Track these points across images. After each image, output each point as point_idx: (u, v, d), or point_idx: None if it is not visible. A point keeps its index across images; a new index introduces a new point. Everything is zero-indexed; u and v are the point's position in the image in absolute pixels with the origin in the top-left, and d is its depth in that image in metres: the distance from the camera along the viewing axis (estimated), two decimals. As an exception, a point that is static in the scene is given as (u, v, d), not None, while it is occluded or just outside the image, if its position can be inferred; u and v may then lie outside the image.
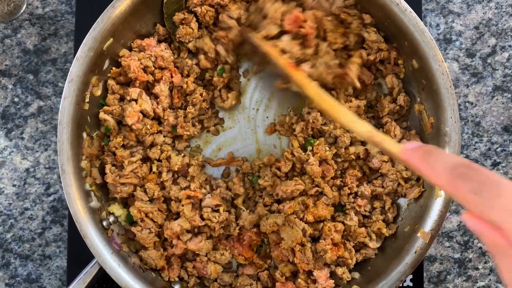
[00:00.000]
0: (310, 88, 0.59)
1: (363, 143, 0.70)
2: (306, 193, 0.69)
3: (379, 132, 0.51)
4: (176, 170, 0.69)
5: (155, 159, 0.69)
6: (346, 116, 0.54)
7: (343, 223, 0.69)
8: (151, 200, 0.68)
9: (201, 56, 0.70)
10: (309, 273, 0.67)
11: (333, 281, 0.66)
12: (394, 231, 0.69)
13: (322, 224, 0.69)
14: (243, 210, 0.70)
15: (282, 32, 0.68)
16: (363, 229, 0.68)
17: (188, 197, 0.68)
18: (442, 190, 0.39)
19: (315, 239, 0.69)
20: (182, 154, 0.70)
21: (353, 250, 0.68)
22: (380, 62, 0.70)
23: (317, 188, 0.69)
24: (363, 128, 0.52)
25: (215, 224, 0.67)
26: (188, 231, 0.68)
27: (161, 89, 0.68)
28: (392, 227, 0.69)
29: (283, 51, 0.66)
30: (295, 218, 0.68)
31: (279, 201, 0.70)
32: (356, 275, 0.68)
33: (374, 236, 0.68)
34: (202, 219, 0.68)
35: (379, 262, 0.68)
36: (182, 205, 0.68)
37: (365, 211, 0.69)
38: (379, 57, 0.69)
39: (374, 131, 0.50)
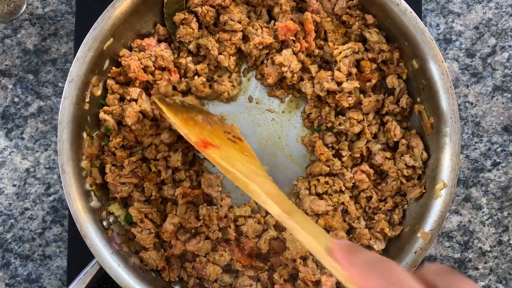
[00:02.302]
0: (219, 166, 0.58)
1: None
2: (327, 212, 0.69)
3: (299, 217, 0.48)
4: (176, 167, 0.69)
5: (152, 159, 0.69)
6: (259, 196, 0.53)
7: (350, 225, 0.69)
8: (148, 200, 0.68)
9: (200, 67, 0.70)
10: (317, 283, 0.67)
11: (335, 279, 0.66)
12: (399, 232, 0.68)
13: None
14: (248, 217, 0.70)
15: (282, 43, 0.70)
16: (366, 230, 0.67)
17: (185, 194, 0.68)
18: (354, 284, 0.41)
19: None
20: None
21: None
22: (382, 62, 0.70)
23: (342, 206, 0.69)
24: (274, 211, 0.50)
25: (213, 220, 0.67)
26: (186, 231, 0.68)
27: (161, 90, 0.69)
28: (397, 228, 0.68)
29: (282, 65, 0.67)
30: None
31: None
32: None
33: (380, 236, 0.68)
34: (198, 219, 0.68)
35: (379, 262, 0.68)
36: (176, 205, 0.68)
37: (373, 213, 0.70)
38: (381, 58, 0.69)
39: (292, 217, 0.48)
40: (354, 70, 0.68)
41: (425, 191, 0.67)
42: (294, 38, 0.69)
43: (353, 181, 0.69)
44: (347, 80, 0.67)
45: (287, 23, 0.67)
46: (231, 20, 0.69)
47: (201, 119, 0.64)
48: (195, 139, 0.58)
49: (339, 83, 0.67)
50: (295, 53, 0.70)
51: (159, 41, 0.70)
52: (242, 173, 0.56)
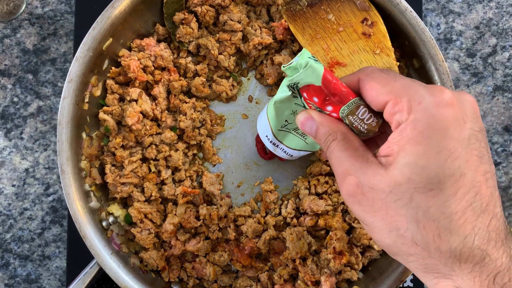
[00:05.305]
0: None
1: None
2: (327, 212, 0.69)
3: None
4: (176, 166, 0.69)
5: (151, 159, 0.69)
6: None
7: (350, 225, 0.68)
8: (148, 200, 0.68)
9: (197, 80, 0.70)
10: (317, 283, 0.67)
11: (335, 279, 0.66)
12: None
13: (327, 236, 0.68)
14: (248, 217, 0.70)
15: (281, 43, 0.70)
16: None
17: (185, 194, 0.68)
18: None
19: (317, 252, 0.69)
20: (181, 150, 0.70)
21: (360, 256, 0.67)
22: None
23: (342, 205, 0.69)
24: None
25: (213, 220, 0.67)
26: (186, 231, 0.68)
27: (160, 91, 0.68)
28: None
29: (281, 65, 0.67)
30: (304, 230, 0.68)
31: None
32: (360, 274, 0.68)
33: None
34: (198, 219, 0.68)
35: (380, 262, 0.68)
36: (176, 205, 0.68)
37: None
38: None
39: None
40: None
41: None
42: (292, 38, 0.69)
43: None
44: None
45: (281, 22, 0.67)
46: (231, 20, 0.69)
47: (333, 17, 0.66)
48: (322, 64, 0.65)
49: None
50: (294, 53, 0.70)
51: (158, 41, 0.70)
52: None
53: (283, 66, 0.44)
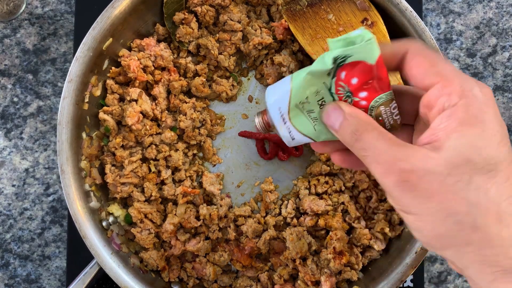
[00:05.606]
0: None
1: None
2: (327, 212, 0.69)
3: None
4: (176, 166, 0.69)
5: (151, 159, 0.69)
6: None
7: (350, 225, 0.68)
8: (148, 200, 0.68)
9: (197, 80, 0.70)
10: (317, 283, 0.67)
11: (335, 279, 0.66)
12: (399, 233, 0.68)
13: (327, 236, 0.68)
14: (248, 217, 0.70)
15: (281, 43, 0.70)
16: (366, 230, 0.67)
17: (185, 194, 0.68)
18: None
19: (317, 252, 0.69)
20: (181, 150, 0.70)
21: (360, 256, 0.67)
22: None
23: (342, 205, 0.69)
24: None
25: (213, 220, 0.67)
26: (186, 231, 0.68)
27: (160, 91, 0.68)
28: (397, 228, 0.68)
29: (282, 65, 0.67)
30: (304, 230, 0.68)
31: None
32: (360, 274, 0.68)
33: (380, 236, 0.68)
34: (198, 219, 0.68)
35: (380, 262, 0.68)
36: (176, 205, 0.68)
37: (373, 213, 0.69)
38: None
39: None
40: None
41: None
42: (292, 38, 0.69)
43: (353, 181, 0.69)
44: None
45: (281, 22, 0.67)
46: (231, 20, 0.69)
47: (333, 17, 0.65)
48: None
49: None
50: (294, 53, 0.70)
51: (158, 41, 0.70)
52: None
53: (330, 40, 0.41)
